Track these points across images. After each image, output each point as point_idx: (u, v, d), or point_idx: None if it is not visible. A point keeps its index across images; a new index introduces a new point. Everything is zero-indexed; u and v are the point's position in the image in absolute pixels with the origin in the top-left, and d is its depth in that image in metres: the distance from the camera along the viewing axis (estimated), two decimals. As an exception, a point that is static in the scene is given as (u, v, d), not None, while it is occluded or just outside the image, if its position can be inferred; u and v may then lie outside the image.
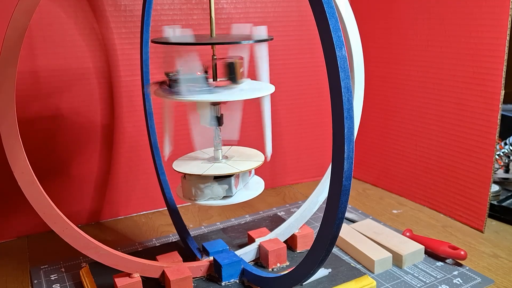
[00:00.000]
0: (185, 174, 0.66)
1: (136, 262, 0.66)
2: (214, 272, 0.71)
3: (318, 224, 0.73)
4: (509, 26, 0.79)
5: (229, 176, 0.65)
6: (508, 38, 0.79)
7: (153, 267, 0.68)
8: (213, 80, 0.65)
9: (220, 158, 0.69)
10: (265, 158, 0.70)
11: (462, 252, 0.75)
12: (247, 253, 0.76)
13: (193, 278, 0.70)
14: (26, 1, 0.50)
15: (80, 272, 0.76)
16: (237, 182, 0.67)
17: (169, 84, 0.62)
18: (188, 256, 0.77)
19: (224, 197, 0.66)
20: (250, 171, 0.70)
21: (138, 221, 1.00)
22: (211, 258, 0.72)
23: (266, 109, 0.69)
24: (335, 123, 0.46)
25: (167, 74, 0.62)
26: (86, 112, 0.94)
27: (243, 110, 0.69)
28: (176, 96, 0.61)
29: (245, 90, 0.64)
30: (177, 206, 0.84)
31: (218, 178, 0.65)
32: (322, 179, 0.75)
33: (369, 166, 1.16)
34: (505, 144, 1.04)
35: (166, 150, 0.72)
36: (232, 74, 0.63)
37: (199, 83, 0.62)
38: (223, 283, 0.69)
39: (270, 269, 0.74)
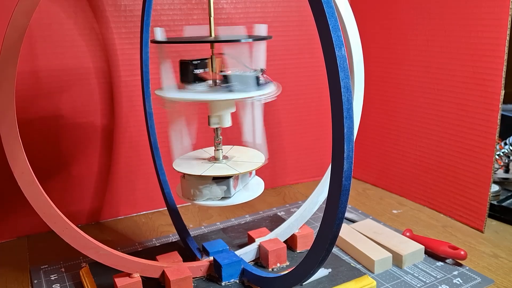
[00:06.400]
0: (184, 174, 0.66)
1: (136, 262, 0.66)
2: (214, 272, 0.71)
3: (318, 224, 0.73)
4: (509, 26, 0.79)
5: (227, 177, 0.65)
6: (508, 38, 0.79)
7: (153, 267, 0.68)
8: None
9: (221, 158, 0.69)
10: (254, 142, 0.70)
11: (462, 252, 0.75)
12: (247, 253, 0.76)
13: (193, 278, 0.70)
14: (26, 1, 0.50)
15: (80, 272, 0.76)
16: (236, 183, 0.67)
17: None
18: (188, 256, 0.77)
19: (223, 198, 0.66)
20: (250, 172, 0.70)
21: (138, 221, 1.00)
22: (211, 258, 0.72)
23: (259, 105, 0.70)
24: (335, 123, 0.46)
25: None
26: (86, 112, 0.94)
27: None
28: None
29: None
30: (177, 206, 0.84)
31: (217, 179, 0.65)
32: (322, 179, 0.75)
33: (369, 166, 1.16)
34: (505, 144, 1.04)
35: (176, 155, 0.71)
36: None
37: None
38: (223, 283, 0.69)
39: (270, 269, 0.74)
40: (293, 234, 0.79)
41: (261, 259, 0.76)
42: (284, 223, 0.79)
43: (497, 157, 1.04)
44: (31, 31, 0.86)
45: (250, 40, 0.61)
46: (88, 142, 0.96)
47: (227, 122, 0.67)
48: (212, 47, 0.65)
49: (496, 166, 1.04)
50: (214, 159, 0.70)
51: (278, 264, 0.75)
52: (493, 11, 0.81)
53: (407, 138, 1.04)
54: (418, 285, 0.71)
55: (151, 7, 0.79)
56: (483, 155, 0.87)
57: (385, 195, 1.09)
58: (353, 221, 0.94)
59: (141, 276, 0.67)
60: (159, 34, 0.63)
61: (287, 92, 1.12)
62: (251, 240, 0.79)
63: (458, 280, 0.72)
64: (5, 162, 0.55)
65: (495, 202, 0.94)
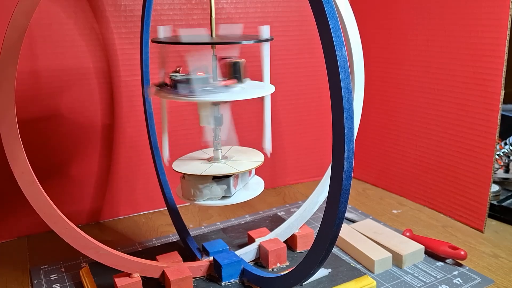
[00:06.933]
0: (184, 174, 0.66)
1: (136, 262, 0.66)
2: (214, 272, 0.71)
3: (318, 224, 0.73)
4: (509, 26, 0.79)
5: (227, 176, 0.65)
6: (508, 38, 0.79)
7: (153, 267, 0.68)
8: (214, 80, 0.65)
9: (220, 158, 0.69)
10: (265, 154, 0.69)
11: (462, 252, 0.75)
12: (247, 253, 0.76)
13: (193, 278, 0.70)
14: (26, 1, 0.50)
15: (80, 272, 0.76)
16: (236, 183, 0.67)
17: (173, 85, 0.62)
18: (188, 256, 0.77)
19: (223, 197, 0.66)
20: (250, 171, 0.70)
21: (138, 221, 1.00)
22: (211, 258, 0.72)
23: (267, 105, 0.69)
24: (335, 123, 0.46)
25: (171, 75, 0.62)
26: (86, 112, 0.94)
27: (244, 110, 0.69)
28: (184, 97, 0.61)
29: (248, 88, 0.64)
30: (177, 206, 0.84)
31: (217, 178, 0.65)
32: (322, 179, 0.75)
33: (369, 166, 1.16)
34: (505, 144, 1.04)
35: (166, 153, 0.72)
36: (238, 73, 0.63)
37: (205, 83, 0.62)
38: (223, 283, 0.69)
39: (270, 269, 0.74)
40: (293, 234, 0.79)
41: (261, 259, 0.76)
42: (284, 223, 0.79)
43: (497, 157, 1.04)
44: (31, 31, 0.86)
45: (252, 41, 0.61)
46: (88, 142, 0.96)
47: (208, 122, 0.67)
48: (213, 48, 0.65)
49: (496, 166, 1.04)
50: (214, 159, 0.70)
51: (278, 264, 0.75)
52: (493, 11, 0.81)
53: (407, 138, 1.04)
54: (418, 285, 0.71)
55: (151, 7, 0.79)
56: (483, 155, 0.87)
57: (385, 195, 1.09)
58: (353, 221, 0.94)
59: (141, 276, 0.67)
60: (162, 32, 0.63)
61: (287, 92, 1.12)
62: (251, 240, 0.79)
63: (458, 280, 0.72)
64: (5, 162, 0.55)
65: (495, 202, 0.94)
